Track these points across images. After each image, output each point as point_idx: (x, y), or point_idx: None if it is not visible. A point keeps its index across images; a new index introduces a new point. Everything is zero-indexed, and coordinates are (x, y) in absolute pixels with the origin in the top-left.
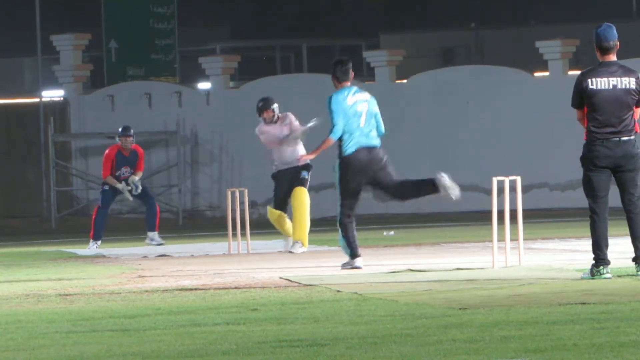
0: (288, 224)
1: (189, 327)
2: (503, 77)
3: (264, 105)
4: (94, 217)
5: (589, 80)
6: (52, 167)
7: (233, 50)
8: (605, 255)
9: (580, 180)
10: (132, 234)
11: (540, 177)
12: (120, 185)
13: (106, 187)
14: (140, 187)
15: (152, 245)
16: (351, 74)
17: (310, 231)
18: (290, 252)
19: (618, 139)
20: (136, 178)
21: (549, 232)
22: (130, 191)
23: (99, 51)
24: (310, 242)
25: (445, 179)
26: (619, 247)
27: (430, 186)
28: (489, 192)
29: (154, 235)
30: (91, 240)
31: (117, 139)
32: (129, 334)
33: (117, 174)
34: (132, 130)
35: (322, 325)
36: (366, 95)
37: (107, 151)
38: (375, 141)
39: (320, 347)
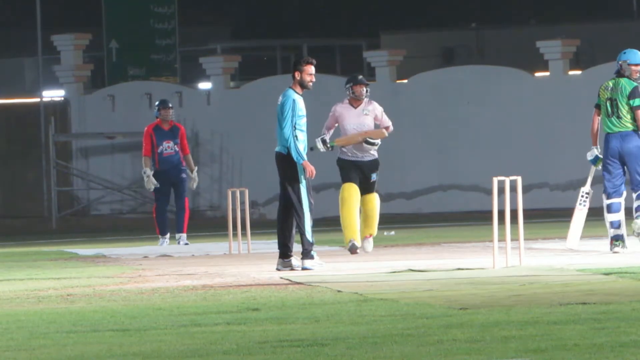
0: (357, 216)
1: (190, 327)
2: (503, 77)
3: (357, 79)
4: (154, 214)
5: None
6: (53, 167)
7: (233, 50)
8: None
9: (580, 180)
10: (133, 234)
11: (540, 177)
12: (147, 172)
13: (157, 185)
14: (197, 182)
15: (184, 246)
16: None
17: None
18: (365, 250)
19: None
20: (195, 174)
21: (549, 232)
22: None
23: (99, 51)
24: None
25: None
26: (621, 247)
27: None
28: (489, 192)
29: (180, 237)
30: (160, 237)
31: (155, 113)
32: (129, 333)
33: (159, 150)
34: (170, 103)
35: (322, 325)
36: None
37: (145, 129)
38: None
39: (320, 347)
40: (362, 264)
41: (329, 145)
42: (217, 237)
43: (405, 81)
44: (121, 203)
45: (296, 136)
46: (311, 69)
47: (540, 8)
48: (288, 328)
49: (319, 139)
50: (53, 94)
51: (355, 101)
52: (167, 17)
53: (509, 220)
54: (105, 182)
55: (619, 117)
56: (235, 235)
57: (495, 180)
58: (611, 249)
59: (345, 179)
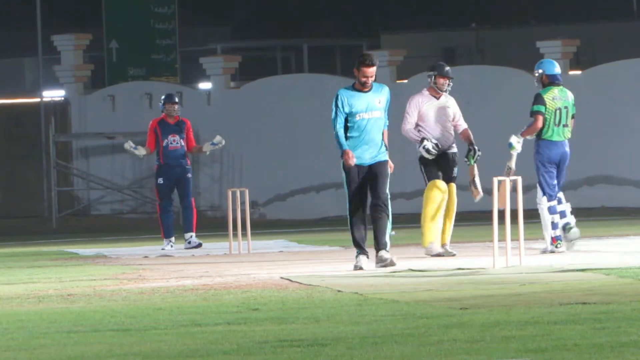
0: (441, 217)
1: (190, 327)
2: (503, 77)
3: (443, 70)
4: (158, 215)
5: None
6: (53, 167)
7: (234, 50)
8: None
9: (580, 180)
10: (133, 234)
11: None
12: (127, 145)
13: (160, 181)
14: (223, 142)
15: (190, 247)
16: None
17: (311, 231)
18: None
19: None
20: (218, 137)
21: None
22: (216, 144)
23: (99, 51)
24: (311, 241)
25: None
26: (622, 247)
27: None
28: (489, 192)
29: (191, 236)
30: (164, 240)
31: (161, 107)
32: (130, 333)
33: (164, 143)
34: (177, 98)
35: (323, 325)
36: None
37: (150, 123)
38: None
39: (321, 347)
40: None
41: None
42: (217, 237)
43: (405, 81)
44: (121, 203)
45: (347, 134)
46: (367, 71)
47: (540, 8)
48: (288, 328)
49: (430, 145)
50: (53, 94)
51: (435, 92)
52: (167, 17)
53: (509, 220)
54: (105, 182)
55: (565, 126)
56: (235, 235)
57: (495, 180)
58: (556, 248)
59: (433, 176)
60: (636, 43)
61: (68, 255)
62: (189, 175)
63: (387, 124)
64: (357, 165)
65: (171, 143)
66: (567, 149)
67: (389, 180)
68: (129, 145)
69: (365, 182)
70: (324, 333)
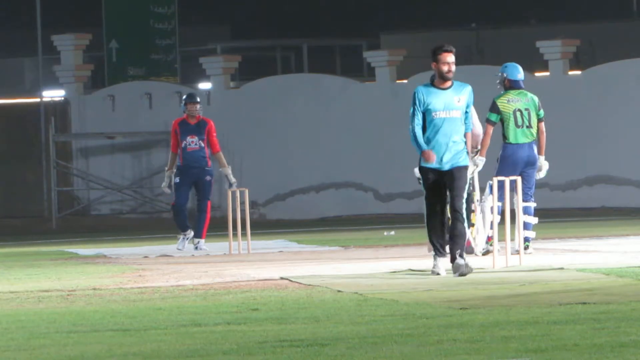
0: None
1: (190, 327)
2: None
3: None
4: (172, 212)
5: None
6: (53, 167)
7: (234, 50)
8: None
9: (580, 180)
10: (133, 234)
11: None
12: (164, 183)
13: (177, 180)
14: (235, 182)
15: (200, 252)
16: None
17: (310, 231)
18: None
19: None
20: (229, 171)
21: (549, 232)
22: (231, 184)
23: (99, 51)
24: (311, 241)
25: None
26: (622, 247)
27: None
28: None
29: (198, 242)
30: (179, 236)
31: (182, 107)
32: (129, 333)
33: (182, 145)
34: (198, 98)
35: (322, 325)
36: None
37: (172, 124)
38: None
39: (320, 347)
40: (362, 264)
41: None
42: (217, 237)
43: (405, 81)
44: (121, 203)
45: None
46: (446, 57)
47: (540, 8)
48: (288, 328)
49: None
50: (53, 94)
51: None
52: (167, 17)
53: (509, 221)
54: (105, 182)
55: (529, 127)
56: (235, 235)
57: (495, 180)
58: (490, 246)
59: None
60: (636, 43)
61: (68, 255)
62: (208, 177)
63: (471, 127)
64: (433, 170)
65: (189, 144)
66: (535, 152)
67: (467, 187)
68: (166, 185)
69: (444, 186)
70: (324, 333)
